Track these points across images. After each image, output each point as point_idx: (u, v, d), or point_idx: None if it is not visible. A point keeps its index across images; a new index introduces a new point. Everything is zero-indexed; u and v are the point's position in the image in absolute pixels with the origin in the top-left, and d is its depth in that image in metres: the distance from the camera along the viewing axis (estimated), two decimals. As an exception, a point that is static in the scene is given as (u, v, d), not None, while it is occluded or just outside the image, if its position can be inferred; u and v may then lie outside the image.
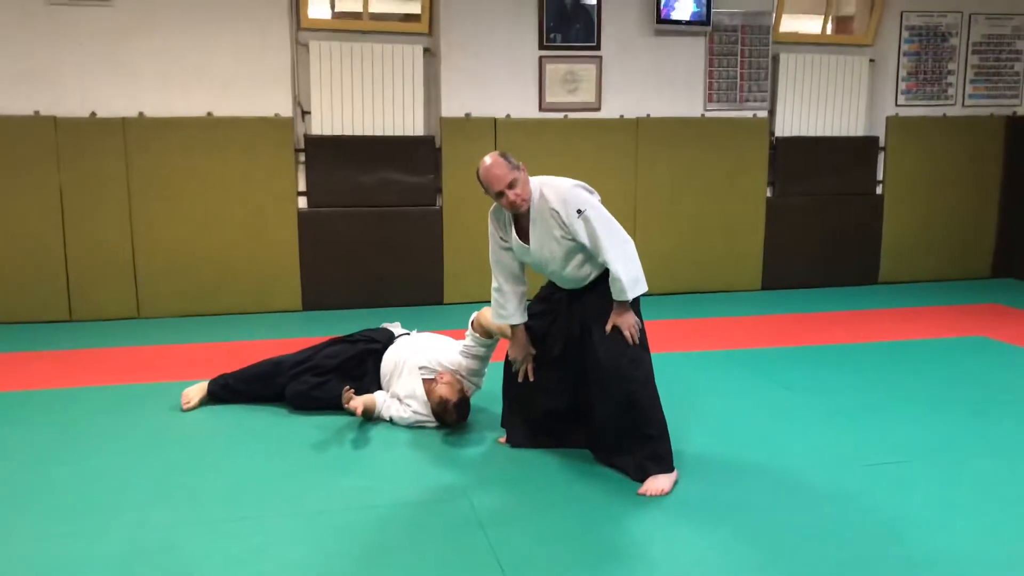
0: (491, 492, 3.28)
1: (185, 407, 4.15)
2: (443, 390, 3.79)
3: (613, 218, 3.33)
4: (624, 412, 3.34)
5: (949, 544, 2.87)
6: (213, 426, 4.02)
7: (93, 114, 6.02)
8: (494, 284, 3.54)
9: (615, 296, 3.32)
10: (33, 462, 3.55)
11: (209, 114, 6.16)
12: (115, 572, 2.68)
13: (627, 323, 3.34)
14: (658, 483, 3.26)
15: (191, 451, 3.68)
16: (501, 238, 3.48)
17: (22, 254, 5.99)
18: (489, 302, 3.65)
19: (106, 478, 3.39)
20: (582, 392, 3.51)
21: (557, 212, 3.29)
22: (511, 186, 3.27)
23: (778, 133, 7.30)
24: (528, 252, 3.41)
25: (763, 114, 7.25)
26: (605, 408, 3.39)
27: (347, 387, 3.87)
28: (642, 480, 3.29)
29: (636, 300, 3.38)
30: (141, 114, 6.08)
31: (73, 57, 5.96)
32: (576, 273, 3.40)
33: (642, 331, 3.40)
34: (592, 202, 3.33)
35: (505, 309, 3.53)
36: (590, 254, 3.33)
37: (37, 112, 5.94)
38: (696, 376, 4.80)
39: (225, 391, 4.22)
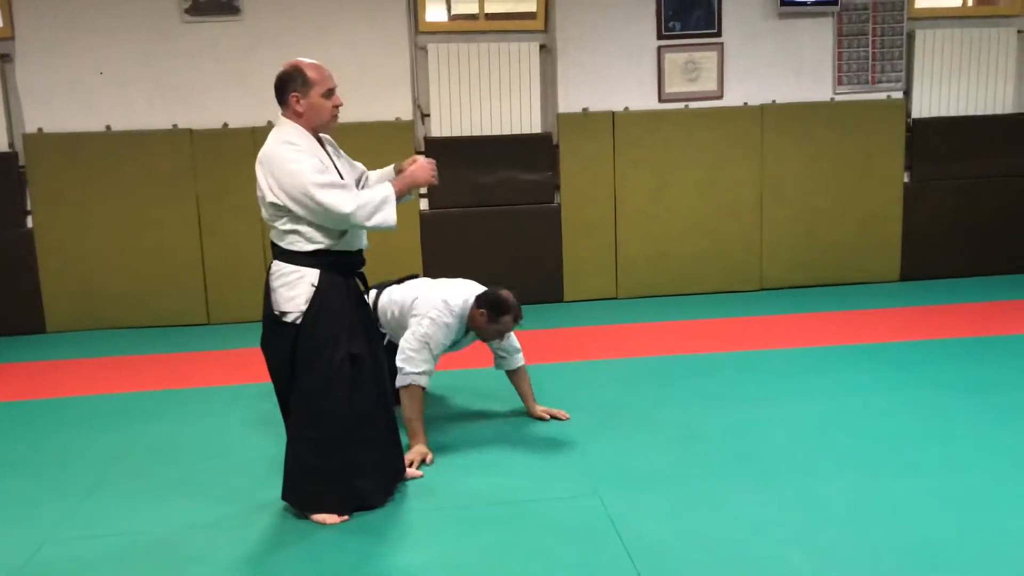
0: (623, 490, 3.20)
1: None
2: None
3: None
4: None
5: None
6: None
7: (225, 125, 6.29)
8: (351, 208, 2.90)
9: None
10: (182, 455, 3.71)
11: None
12: (257, 561, 2.75)
13: None
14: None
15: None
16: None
17: (164, 262, 6.32)
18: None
19: (248, 469, 3.50)
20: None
21: None
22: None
23: (915, 114, 6.87)
24: None
25: (898, 95, 6.85)
26: None
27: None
28: None
29: None
30: (269, 123, 6.30)
31: (206, 71, 6.24)
32: None
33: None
34: None
35: (379, 195, 2.98)
36: None
37: (175, 125, 6.26)
38: (833, 372, 4.56)
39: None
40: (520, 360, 3.98)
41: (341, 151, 3.18)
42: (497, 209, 6.58)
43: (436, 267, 6.53)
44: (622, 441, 3.68)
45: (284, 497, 3.08)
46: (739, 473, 3.30)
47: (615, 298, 6.75)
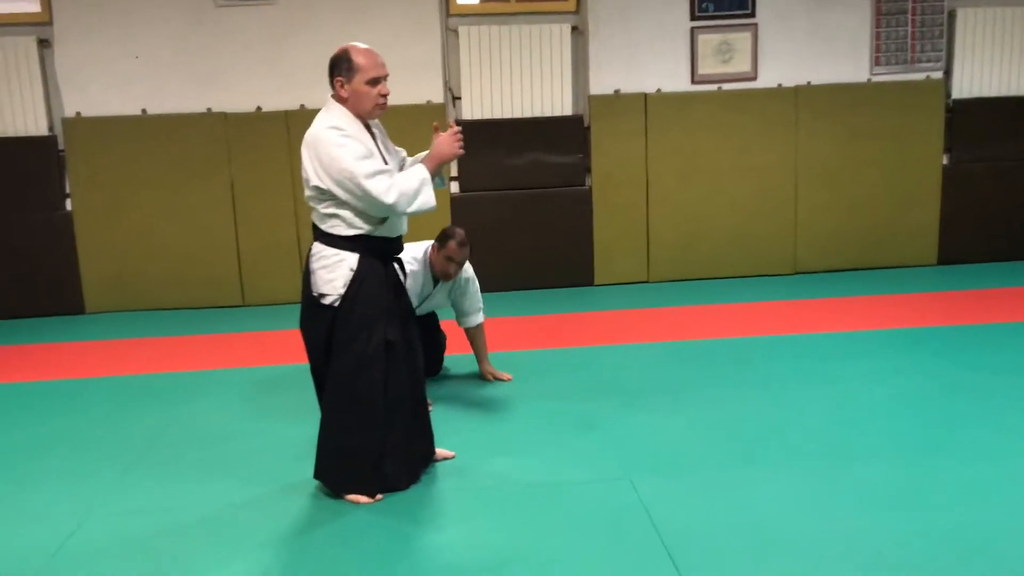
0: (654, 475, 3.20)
1: None
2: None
3: None
4: None
5: None
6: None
7: (259, 109, 6.34)
8: (393, 199, 2.91)
9: None
10: (217, 435, 3.78)
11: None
12: (293, 540, 2.80)
13: None
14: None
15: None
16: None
17: (199, 244, 6.40)
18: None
19: (282, 449, 3.55)
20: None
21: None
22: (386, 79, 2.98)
23: (955, 95, 6.74)
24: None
25: (938, 75, 6.71)
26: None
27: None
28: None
29: None
30: (302, 107, 6.34)
31: (240, 55, 6.29)
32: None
33: None
34: None
35: (416, 179, 2.97)
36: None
37: (209, 109, 6.32)
38: (868, 357, 4.50)
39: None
40: (479, 319, 4.32)
41: (388, 138, 3.18)
42: (528, 192, 6.57)
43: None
44: (653, 424, 3.67)
45: (316, 476, 3.13)
46: (771, 456, 3.29)
47: (646, 282, 6.72)
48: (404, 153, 3.27)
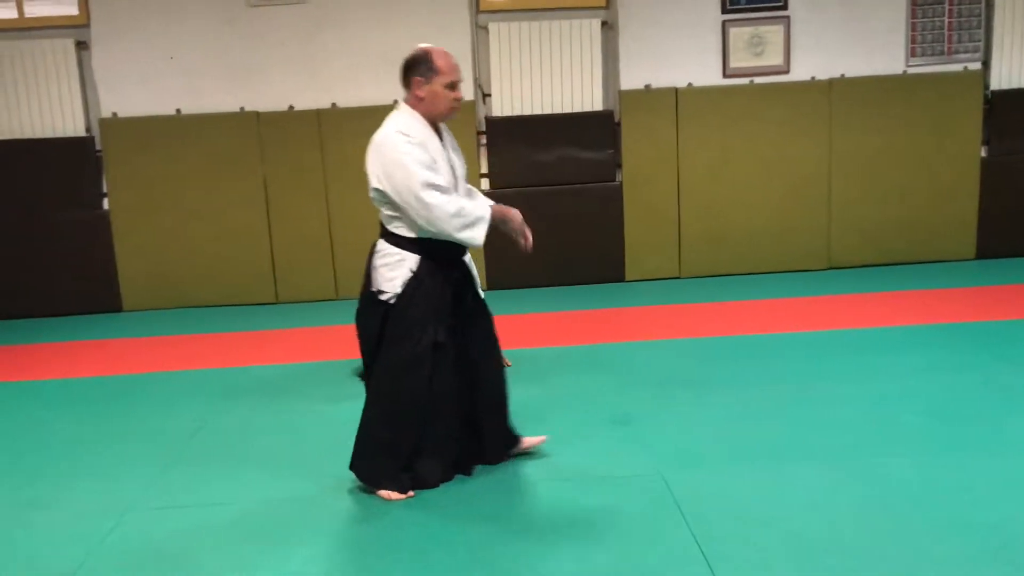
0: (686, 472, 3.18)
1: None
2: None
3: None
4: None
5: None
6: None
7: (291, 107, 6.40)
8: (454, 209, 2.93)
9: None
10: (251, 431, 3.83)
11: (395, 102, 6.34)
12: (333, 535, 2.82)
13: None
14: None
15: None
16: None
17: (233, 242, 6.47)
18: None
19: (317, 446, 3.58)
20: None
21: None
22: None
23: (994, 86, 6.60)
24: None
25: (976, 66, 6.58)
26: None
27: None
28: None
29: None
30: (334, 105, 6.38)
31: (272, 55, 6.35)
32: None
33: None
34: None
35: (478, 212, 2.99)
36: None
37: (242, 108, 6.38)
38: (905, 352, 4.44)
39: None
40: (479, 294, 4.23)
41: (457, 144, 3.20)
42: (558, 188, 6.56)
43: (497, 246, 6.53)
44: (684, 420, 3.66)
45: (351, 467, 3.15)
46: (803, 452, 3.26)
47: (678, 278, 6.68)
48: (466, 167, 3.27)
